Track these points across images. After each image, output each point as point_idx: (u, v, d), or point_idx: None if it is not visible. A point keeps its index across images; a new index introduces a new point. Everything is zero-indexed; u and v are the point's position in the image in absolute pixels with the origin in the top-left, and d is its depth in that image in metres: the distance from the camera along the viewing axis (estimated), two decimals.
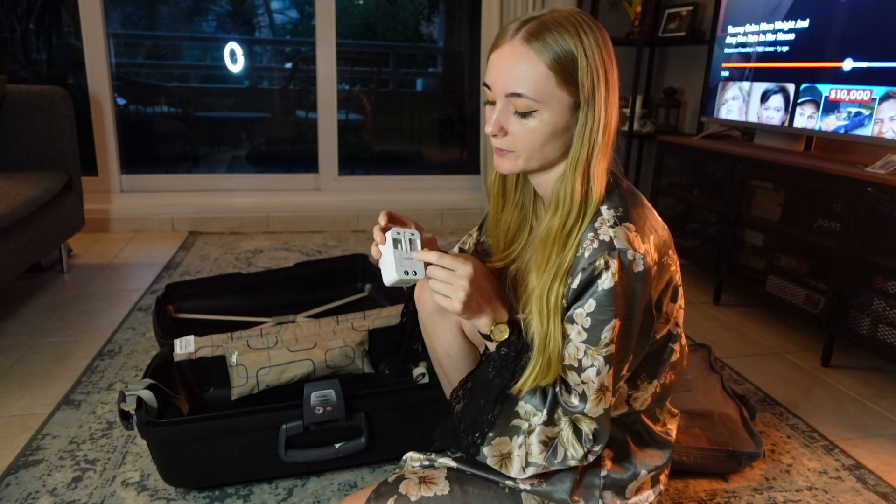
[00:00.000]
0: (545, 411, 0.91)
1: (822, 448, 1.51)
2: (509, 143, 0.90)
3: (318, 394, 1.25)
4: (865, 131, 1.92)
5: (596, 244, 0.86)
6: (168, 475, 1.26)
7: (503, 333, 0.93)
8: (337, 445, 1.30)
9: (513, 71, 0.85)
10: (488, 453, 0.95)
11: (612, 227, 0.86)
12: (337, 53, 3.30)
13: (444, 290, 0.90)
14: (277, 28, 3.59)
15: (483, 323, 0.93)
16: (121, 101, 3.32)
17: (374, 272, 2.07)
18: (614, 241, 0.85)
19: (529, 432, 0.92)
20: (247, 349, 1.49)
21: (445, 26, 3.75)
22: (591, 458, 0.92)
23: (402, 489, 0.99)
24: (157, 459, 1.24)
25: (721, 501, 1.31)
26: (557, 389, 0.92)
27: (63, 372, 1.74)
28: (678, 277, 0.97)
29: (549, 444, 0.92)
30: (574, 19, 0.85)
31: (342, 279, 2.08)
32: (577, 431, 0.91)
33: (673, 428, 1.09)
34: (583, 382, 0.89)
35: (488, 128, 0.89)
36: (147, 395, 1.25)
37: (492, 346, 0.95)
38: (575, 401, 0.90)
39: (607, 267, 0.84)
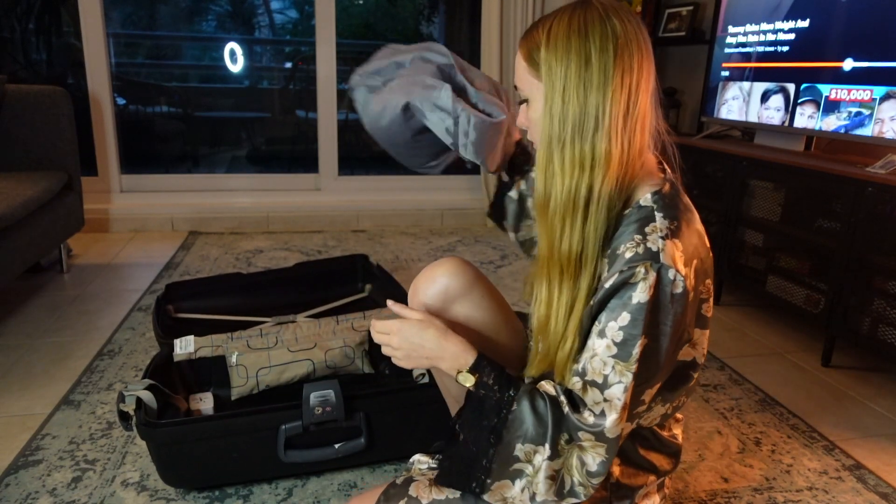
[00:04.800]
0: (548, 445, 0.86)
1: (823, 448, 1.51)
2: (530, 135, 0.96)
3: (317, 394, 1.25)
4: (866, 131, 1.92)
5: (641, 249, 0.82)
6: (168, 476, 1.26)
7: (467, 380, 0.92)
8: (336, 446, 1.29)
9: (515, 67, 0.93)
10: (489, 498, 0.91)
11: (662, 237, 0.82)
12: (337, 53, 3.30)
13: (386, 350, 0.99)
14: (277, 28, 3.59)
15: (445, 368, 0.94)
16: (121, 101, 3.32)
17: (373, 272, 2.07)
18: (660, 255, 0.81)
19: (535, 472, 0.87)
20: (247, 349, 1.49)
21: (445, 26, 3.75)
22: (592, 489, 0.88)
23: (412, 491, 0.97)
24: (157, 460, 1.24)
25: (721, 501, 1.31)
26: (566, 411, 0.86)
27: (63, 372, 1.74)
28: (711, 306, 0.93)
29: (557, 476, 0.87)
30: (562, 11, 0.86)
31: (342, 279, 2.08)
32: (580, 460, 0.87)
33: (679, 432, 1.08)
34: (605, 400, 0.83)
35: (518, 122, 0.97)
36: (146, 396, 1.25)
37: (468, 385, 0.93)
38: (591, 419, 0.85)
39: (645, 278, 0.80)
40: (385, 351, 1.00)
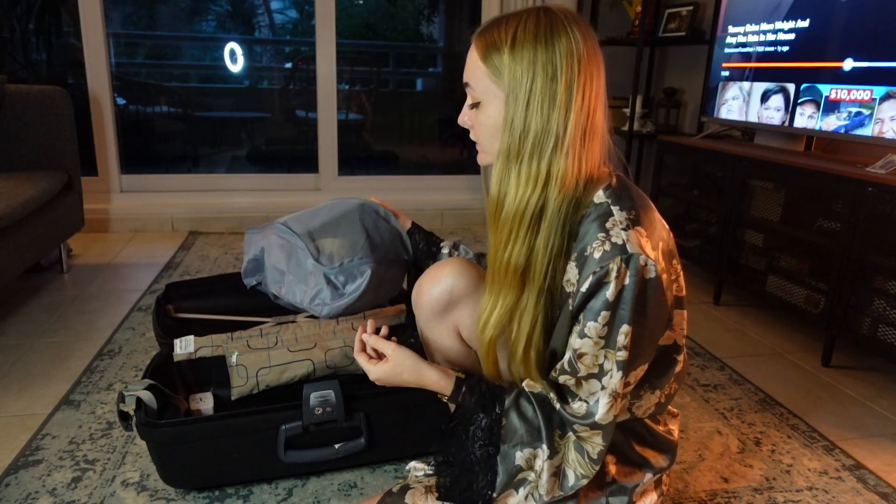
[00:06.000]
0: (545, 445, 0.88)
1: (823, 448, 1.51)
2: (474, 136, 0.96)
3: (317, 394, 1.25)
4: (866, 131, 1.92)
5: (608, 246, 0.83)
6: (167, 476, 1.26)
7: (451, 406, 0.98)
8: (336, 446, 1.29)
9: (466, 62, 0.91)
10: None
11: (624, 229, 0.84)
12: (337, 53, 3.30)
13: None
14: (277, 28, 3.59)
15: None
16: (121, 101, 3.32)
17: None
18: (627, 246, 0.82)
19: (539, 476, 0.89)
20: (247, 349, 1.49)
21: (445, 26, 3.75)
22: (592, 475, 0.91)
23: (408, 500, 0.97)
24: (157, 460, 1.24)
25: (721, 501, 1.31)
26: (557, 406, 0.89)
27: (63, 372, 1.74)
28: (683, 286, 0.96)
29: (559, 472, 0.89)
30: (525, 15, 0.85)
31: None
32: (579, 450, 0.89)
33: (675, 428, 1.08)
34: (602, 388, 0.86)
35: (459, 119, 0.97)
36: (146, 396, 1.25)
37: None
38: (582, 410, 0.87)
39: (619, 273, 0.81)
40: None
